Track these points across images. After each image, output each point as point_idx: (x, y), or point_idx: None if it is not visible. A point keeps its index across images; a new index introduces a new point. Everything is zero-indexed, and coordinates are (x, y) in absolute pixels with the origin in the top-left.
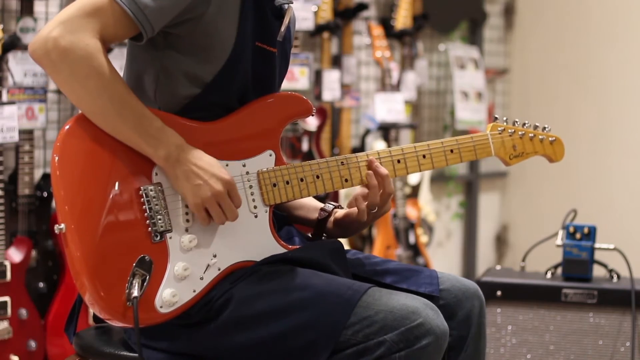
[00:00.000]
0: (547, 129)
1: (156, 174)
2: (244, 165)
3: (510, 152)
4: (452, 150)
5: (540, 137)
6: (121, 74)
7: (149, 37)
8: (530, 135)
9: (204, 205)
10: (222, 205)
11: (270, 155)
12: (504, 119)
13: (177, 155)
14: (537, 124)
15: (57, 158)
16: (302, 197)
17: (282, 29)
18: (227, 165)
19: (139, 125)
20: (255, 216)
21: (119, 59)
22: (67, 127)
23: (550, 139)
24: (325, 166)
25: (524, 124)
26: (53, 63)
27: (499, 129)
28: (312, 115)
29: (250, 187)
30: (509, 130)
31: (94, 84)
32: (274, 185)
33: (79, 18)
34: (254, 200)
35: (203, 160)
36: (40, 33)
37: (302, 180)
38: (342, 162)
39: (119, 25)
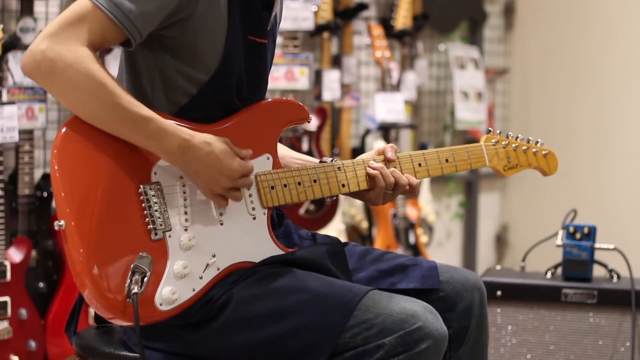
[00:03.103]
0: (540, 143)
1: (155, 173)
2: None
3: (504, 164)
4: (447, 160)
5: (533, 149)
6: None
7: (138, 42)
8: (523, 147)
9: (218, 194)
10: (238, 188)
11: (268, 158)
12: (498, 131)
13: (182, 155)
14: (530, 138)
15: (56, 158)
16: (299, 201)
17: (272, 17)
18: None
19: (136, 128)
20: (254, 218)
21: (118, 59)
22: (64, 128)
23: (543, 152)
24: (322, 171)
25: (517, 137)
26: (44, 74)
27: (493, 140)
28: (308, 122)
29: (248, 189)
30: (503, 142)
31: (85, 90)
32: (272, 188)
33: (64, 29)
34: (252, 202)
35: (210, 157)
36: (30, 48)
37: (299, 183)
38: (338, 168)
39: (106, 32)
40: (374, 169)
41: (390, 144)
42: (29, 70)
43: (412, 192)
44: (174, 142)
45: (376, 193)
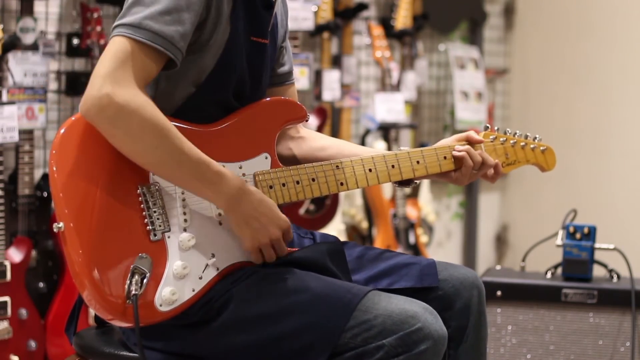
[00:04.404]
0: (537, 139)
1: (153, 174)
2: (240, 167)
3: (502, 160)
4: (445, 157)
5: (531, 146)
6: None
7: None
8: (521, 144)
9: (260, 247)
10: (276, 247)
11: (266, 157)
12: (496, 128)
13: (239, 199)
14: (527, 134)
15: (54, 159)
16: (298, 200)
17: (272, 18)
18: (223, 166)
19: (198, 172)
20: None
21: None
22: (63, 129)
23: (541, 148)
24: (320, 169)
25: (515, 133)
26: (109, 120)
27: (491, 137)
28: (306, 121)
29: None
30: (501, 139)
31: (149, 137)
32: (271, 187)
33: (119, 69)
34: None
35: (263, 204)
36: (89, 92)
37: (298, 182)
38: (337, 166)
39: (153, 62)
40: (460, 151)
41: (472, 130)
42: (93, 114)
43: (495, 175)
44: (233, 185)
45: (463, 173)
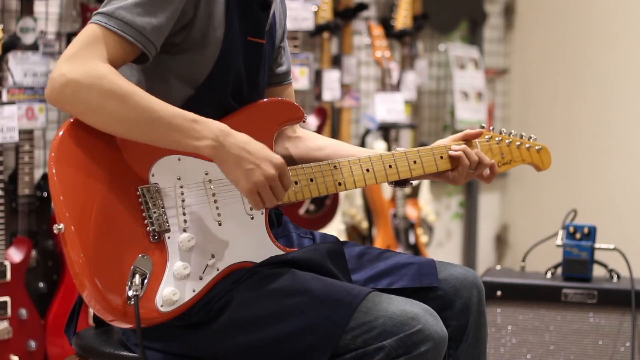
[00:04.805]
0: (533, 138)
1: (153, 175)
2: None
3: (498, 159)
4: (442, 157)
5: (526, 145)
6: None
7: (154, 56)
8: (517, 143)
9: (257, 189)
10: (274, 188)
11: None
12: (491, 127)
13: (223, 141)
14: (523, 133)
15: (54, 161)
16: (296, 200)
17: (269, 18)
18: None
19: (173, 125)
20: (252, 217)
21: None
22: (61, 131)
23: (536, 147)
24: (318, 170)
25: (510, 133)
26: (71, 97)
27: (487, 136)
28: (304, 121)
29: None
30: (496, 138)
31: (113, 104)
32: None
33: (81, 50)
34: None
35: (251, 144)
36: (50, 76)
37: (296, 183)
38: (334, 166)
39: (121, 49)
40: (456, 150)
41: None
42: (55, 97)
43: (491, 175)
44: (213, 127)
45: (459, 172)
